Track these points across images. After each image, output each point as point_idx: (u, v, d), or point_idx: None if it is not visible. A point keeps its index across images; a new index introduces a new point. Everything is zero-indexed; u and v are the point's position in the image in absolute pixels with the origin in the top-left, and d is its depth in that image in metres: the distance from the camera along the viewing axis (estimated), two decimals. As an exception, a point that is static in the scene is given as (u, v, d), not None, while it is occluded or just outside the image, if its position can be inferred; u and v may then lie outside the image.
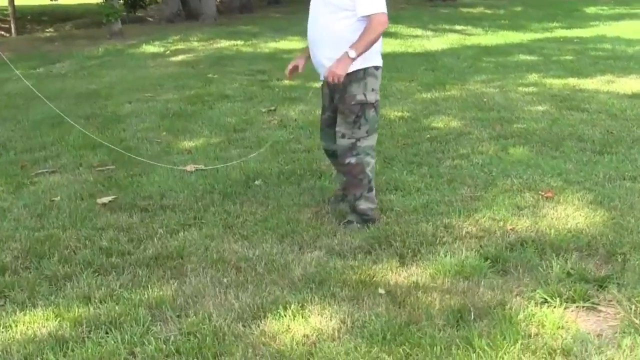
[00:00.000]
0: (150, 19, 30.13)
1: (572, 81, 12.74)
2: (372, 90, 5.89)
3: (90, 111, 10.92)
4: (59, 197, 7.11)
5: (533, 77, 13.36)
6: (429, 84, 12.63)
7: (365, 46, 5.63)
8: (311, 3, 5.96)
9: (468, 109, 10.48)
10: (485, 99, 11.13)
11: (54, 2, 36.38)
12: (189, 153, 8.61)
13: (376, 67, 5.94)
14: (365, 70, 5.83)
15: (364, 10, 5.64)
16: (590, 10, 28.46)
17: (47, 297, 5.00)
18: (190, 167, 7.82)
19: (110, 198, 7.01)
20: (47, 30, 26.53)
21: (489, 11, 29.46)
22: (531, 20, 24.49)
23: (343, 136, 5.95)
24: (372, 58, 5.88)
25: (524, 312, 4.52)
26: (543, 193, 6.67)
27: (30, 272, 5.43)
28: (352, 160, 5.97)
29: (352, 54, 5.58)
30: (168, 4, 27.86)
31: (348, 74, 5.72)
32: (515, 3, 32.17)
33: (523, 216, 6.16)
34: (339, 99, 5.92)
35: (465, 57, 16.21)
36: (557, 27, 22.52)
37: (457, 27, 22.55)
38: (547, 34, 20.81)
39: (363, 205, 6.09)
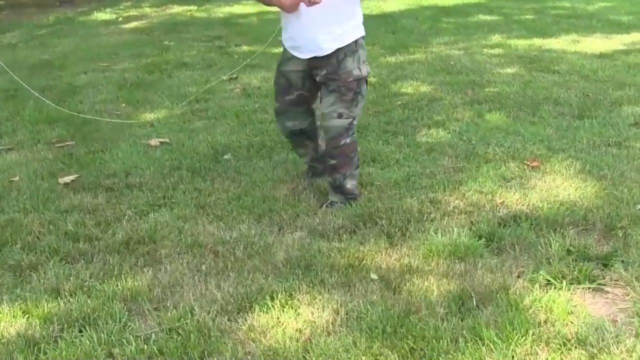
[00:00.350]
0: (98, -15, 29.43)
1: (537, 41, 12.53)
2: (363, 62, 5.52)
3: (45, 83, 10.45)
4: (17, 177, 6.71)
5: (496, 38, 13.12)
6: (392, 47, 12.32)
7: None
8: None
9: (436, 72, 10.19)
10: (452, 62, 10.84)
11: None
12: (152, 126, 8.21)
13: (362, 37, 5.57)
14: (356, 41, 5.46)
15: None
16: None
17: (12, 291, 4.60)
18: (154, 142, 7.47)
19: (72, 177, 6.61)
20: (-7, -1, 25.78)
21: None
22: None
23: (340, 116, 5.47)
24: (360, 27, 5.54)
25: (529, 296, 4.22)
26: (528, 162, 6.39)
27: (-8, 263, 5.05)
28: (348, 140, 5.57)
29: None
30: (117, -32, 27.20)
31: (342, 48, 5.39)
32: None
33: (511, 188, 5.88)
34: (330, 75, 5.43)
35: (424, 18, 15.93)
36: (512, -15, 22.30)
37: (412, -12, 22.24)
38: (503, -8, 20.58)
39: (349, 184, 5.74)
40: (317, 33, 5.33)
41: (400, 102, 8.59)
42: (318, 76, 5.51)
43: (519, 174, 6.18)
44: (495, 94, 8.81)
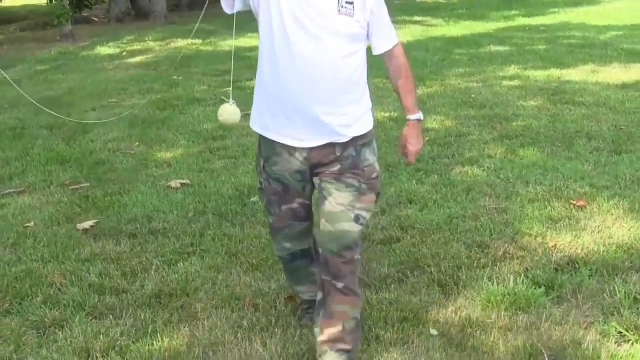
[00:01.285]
0: (95, 19, 29.25)
1: (555, 72, 12.25)
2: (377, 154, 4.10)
3: (53, 120, 10.07)
4: (32, 223, 6.37)
5: (513, 69, 12.83)
6: (407, 80, 11.99)
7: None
8: (288, 26, 3.69)
9: (458, 106, 9.88)
10: (472, 95, 10.54)
11: (-3, 5, 35.21)
12: (169, 166, 7.87)
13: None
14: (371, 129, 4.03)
15: (388, 41, 3.94)
16: (544, -4, 28.21)
17: (38, 351, 4.27)
18: (174, 183, 7.13)
19: (91, 222, 6.27)
20: (-10, 32, 25.55)
21: (442, 0, 29.02)
22: (488, 9, 24.12)
23: (357, 219, 3.88)
24: (371, 110, 4.09)
25: (604, 351, 3.91)
26: (574, 202, 6.06)
27: (13, 318, 4.69)
28: (358, 255, 3.99)
29: (420, 115, 4.05)
30: (117, 3, 26.97)
31: (361, 137, 3.89)
32: (467, -9, 31.86)
33: (560, 230, 5.57)
34: (347, 170, 3.86)
35: (434, 49, 15.65)
36: (517, 15, 22.23)
37: (417, 18, 22.01)
38: (510, 23, 20.47)
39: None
40: (321, 109, 3.79)
41: (427, 138, 8.23)
42: (325, 174, 3.91)
43: (566, 214, 5.86)
44: (524, 128, 8.50)
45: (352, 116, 3.83)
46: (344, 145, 3.83)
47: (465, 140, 8.14)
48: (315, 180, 3.94)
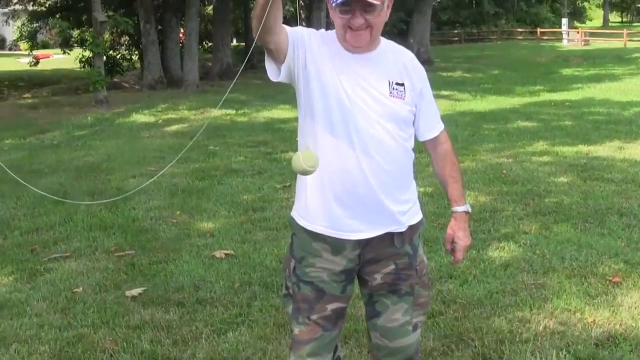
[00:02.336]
0: (126, 85, 29.79)
1: (583, 148, 12.47)
2: None
3: (94, 187, 10.41)
4: (81, 288, 6.57)
5: (541, 145, 13.06)
6: (439, 155, 12.22)
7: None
8: (347, 110, 3.43)
9: (491, 182, 10.08)
10: (504, 171, 10.75)
11: (31, 68, 35.81)
12: (212, 236, 8.08)
13: None
14: None
15: (437, 127, 3.78)
16: (566, 72, 28.63)
17: (97, 420, 4.46)
18: (219, 253, 7.34)
19: (139, 290, 6.46)
20: (25, 95, 26.10)
21: (468, 75, 29.41)
22: (514, 84, 24.47)
23: (416, 328, 3.74)
24: None
25: None
26: (610, 278, 6.24)
27: (69, 383, 4.88)
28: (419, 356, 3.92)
29: (468, 207, 3.82)
30: (150, 71, 27.49)
31: (416, 226, 3.70)
32: (490, 67, 32.23)
33: (598, 306, 5.73)
34: (402, 271, 3.64)
35: (464, 124, 15.89)
36: (542, 91, 22.54)
37: (444, 92, 22.29)
38: (535, 98, 20.74)
39: None
40: (397, 210, 3.59)
41: (463, 213, 8.45)
42: (376, 274, 3.64)
43: (603, 290, 6.04)
44: (556, 205, 8.70)
45: (408, 204, 3.62)
46: (402, 238, 3.58)
47: (500, 216, 8.33)
48: (364, 291, 3.72)
